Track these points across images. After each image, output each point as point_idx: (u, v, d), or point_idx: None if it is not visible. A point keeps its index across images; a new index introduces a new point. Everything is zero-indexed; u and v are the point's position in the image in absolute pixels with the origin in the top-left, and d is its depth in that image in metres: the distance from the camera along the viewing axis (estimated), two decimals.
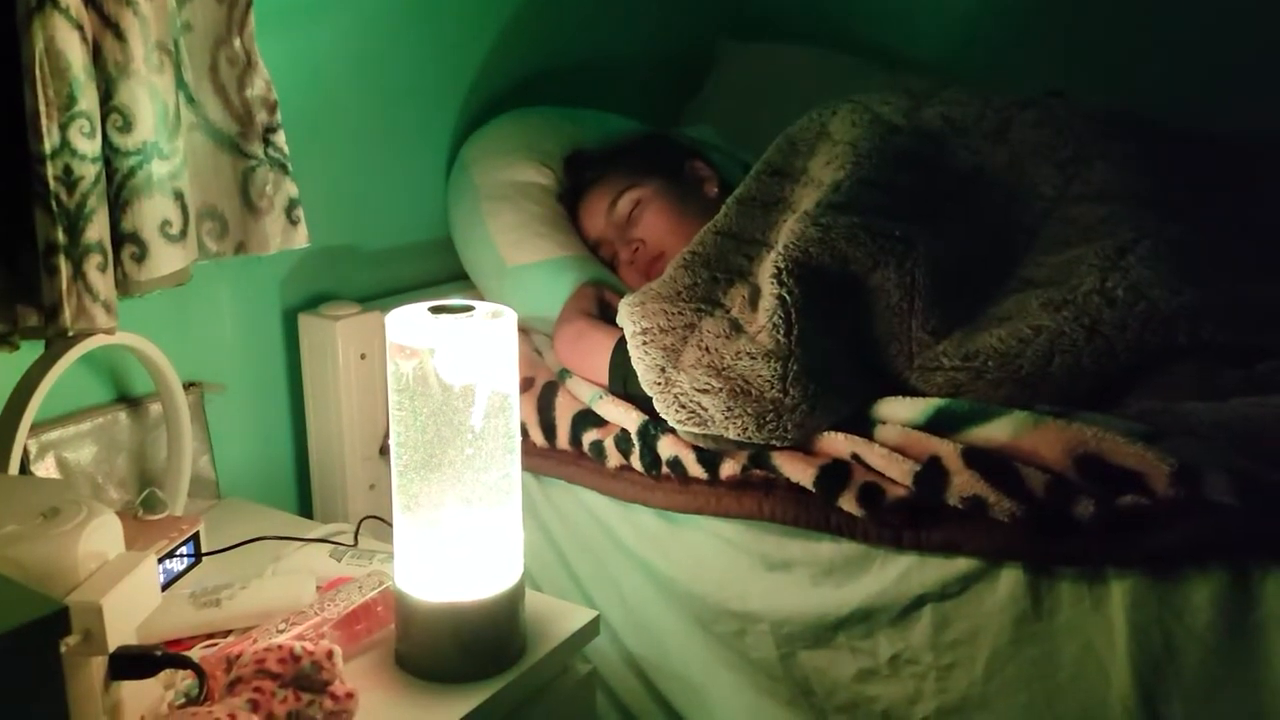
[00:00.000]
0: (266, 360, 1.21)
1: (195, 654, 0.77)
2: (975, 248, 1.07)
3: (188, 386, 1.09)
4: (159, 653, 0.69)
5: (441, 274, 1.38)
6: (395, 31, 1.30)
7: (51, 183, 0.83)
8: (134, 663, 0.68)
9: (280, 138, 1.01)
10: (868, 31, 1.76)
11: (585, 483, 1.11)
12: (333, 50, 1.23)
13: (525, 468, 1.10)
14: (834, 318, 1.01)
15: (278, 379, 1.23)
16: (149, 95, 0.89)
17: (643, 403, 1.04)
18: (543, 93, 1.51)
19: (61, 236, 0.84)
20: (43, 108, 0.82)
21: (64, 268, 0.84)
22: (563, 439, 1.11)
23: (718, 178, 1.36)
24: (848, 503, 0.92)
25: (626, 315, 1.05)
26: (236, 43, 0.98)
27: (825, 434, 0.97)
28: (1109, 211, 1.06)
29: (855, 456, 0.95)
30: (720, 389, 0.96)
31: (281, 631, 0.81)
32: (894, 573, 0.93)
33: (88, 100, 0.84)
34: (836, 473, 0.93)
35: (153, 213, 0.90)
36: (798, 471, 0.95)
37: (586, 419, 1.10)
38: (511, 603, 0.84)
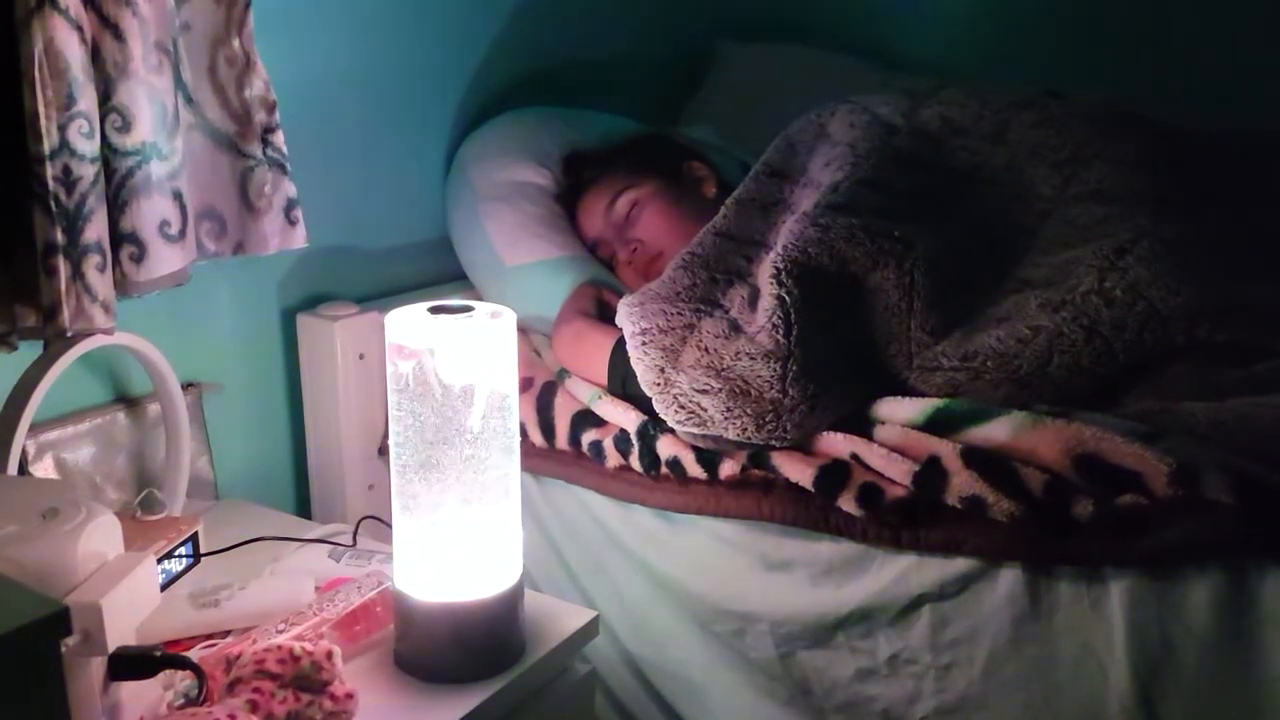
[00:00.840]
0: (265, 360, 1.21)
1: (194, 654, 0.77)
2: (974, 248, 1.08)
3: (186, 387, 1.09)
4: (158, 653, 0.69)
5: (440, 274, 1.38)
6: (394, 31, 1.30)
7: (50, 183, 0.83)
8: (133, 663, 0.68)
9: (279, 138, 1.01)
10: (867, 32, 1.76)
11: (584, 483, 1.11)
12: (331, 50, 1.22)
13: (524, 468, 1.09)
14: (833, 318, 1.01)
15: (276, 379, 1.23)
16: (148, 96, 0.89)
17: (642, 403, 1.04)
18: (541, 93, 1.51)
19: (60, 237, 0.84)
20: (41, 108, 0.82)
21: (63, 268, 0.84)
22: (562, 439, 1.11)
23: (716, 178, 1.36)
24: (847, 503, 0.92)
25: (625, 316, 1.05)
26: (235, 43, 0.98)
27: (824, 434, 0.97)
28: (1107, 212, 1.06)
29: (854, 456, 0.95)
30: (719, 389, 0.96)
31: (281, 632, 0.81)
32: (893, 572, 0.93)
33: (86, 100, 0.84)
34: (836, 473, 0.94)
35: (151, 213, 0.90)
36: (797, 472, 0.95)
37: (585, 419, 1.10)
38: (510, 603, 0.83)
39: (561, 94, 1.53)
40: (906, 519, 0.91)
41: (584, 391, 1.12)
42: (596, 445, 1.08)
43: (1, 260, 0.88)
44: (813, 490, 0.94)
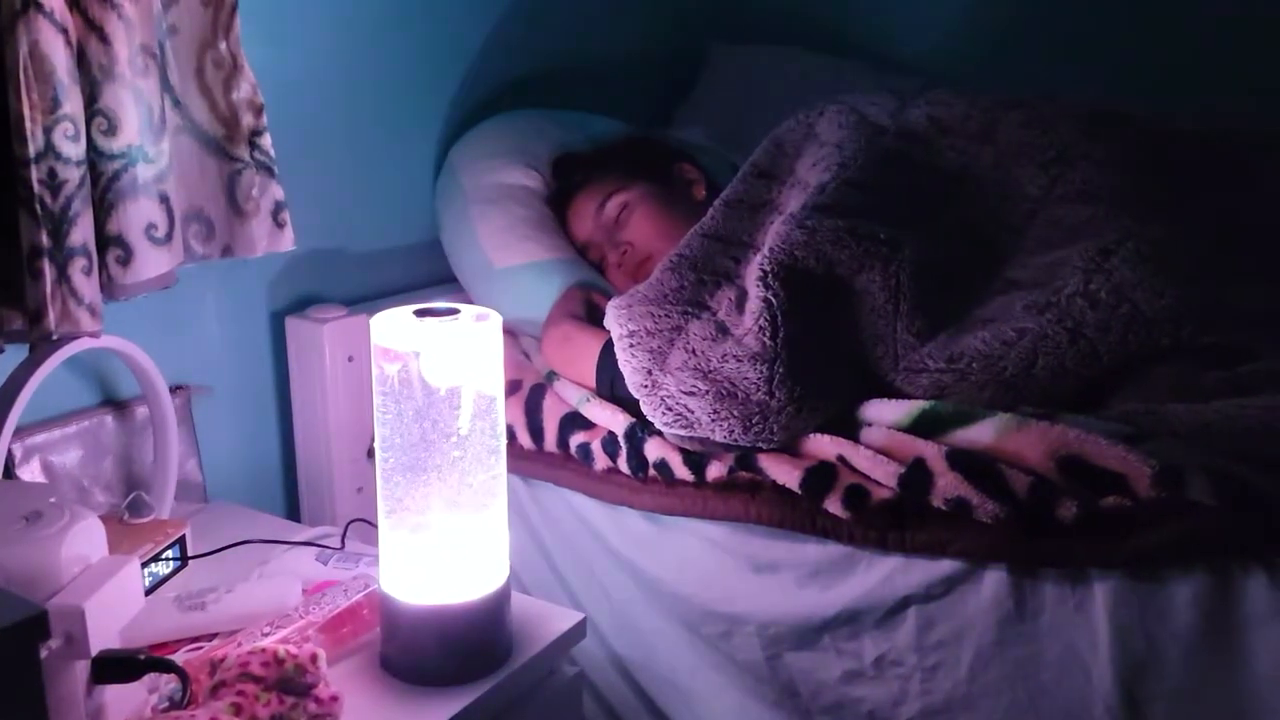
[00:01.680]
0: (254, 363, 1.21)
1: (180, 658, 0.77)
2: (961, 249, 1.08)
3: (175, 389, 1.09)
4: (142, 656, 0.69)
5: (429, 277, 1.38)
6: (382, 34, 1.30)
7: (36, 186, 0.83)
8: (116, 666, 0.68)
9: (266, 141, 1.01)
10: (857, 33, 1.76)
11: (573, 485, 1.11)
12: (319, 53, 1.22)
13: (513, 470, 1.10)
14: (820, 320, 1.01)
15: (265, 382, 1.23)
16: (134, 98, 0.89)
17: (630, 405, 1.04)
18: (532, 95, 1.51)
19: (46, 240, 0.84)
20: (26, 111, 0.82)
21: (48, 271, 0.84)
22: (550, 441, 1.11)
23: (706, 180, 1.37)
24: (833, 505, 0.92)
25: (613, 318, 1.06)
26: (222, 46, 0.98)
27: (811, 436, 0.97)
28: (1093, 212, 1.06)
29: (841, 458, 0.95)
30: (707, 391, 0.96)
31: (267, 635, 0.81)
32: (879, 574, 0.93)
33: (72, 104, 0.84)
34: (822, 475, 0.94)
35: (138, 216, 0.90)
36: (784, 474, 0.95)
37: (574, 421, 1.10)
38: (497, 605, 0.84)
39: (552, 96, 1.53)
40: (892, 521, 0.91)
41: (572, 394, 1.12)
42: (585, 447, 1.08)
43: None
44: (799, 492, 0.94)
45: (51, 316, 0.85)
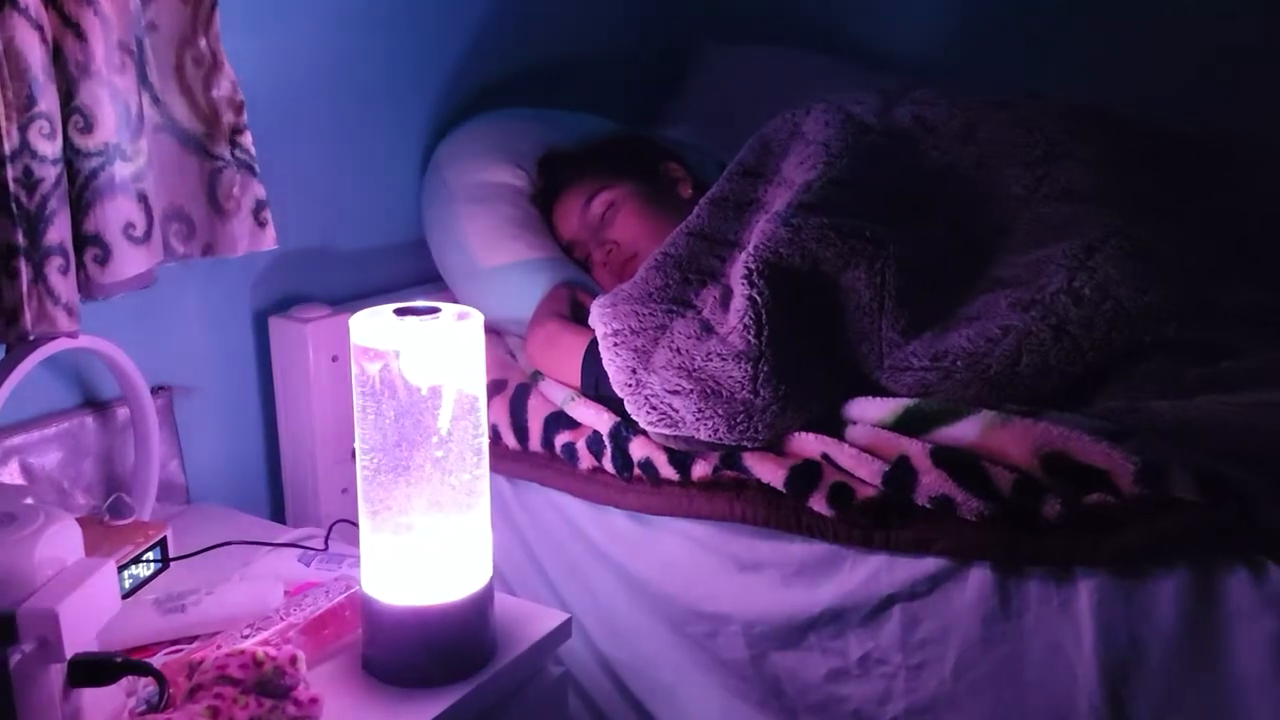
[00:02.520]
0: (237, 363, 1.20)
1: (159, 660, 0.76)
2: (946, 247, 1.08)
3: (156, 390, 1.08)
4: (118, 659, 0.68)
5: (414, 276, 1.37)
6: (366, 30, 1.29)
7: (11, 185, 0.82)
8: (92, 670, 0.68)
9: (247, 139, 1.00)
10: (845, 32, 1.76)
11: (558, 485, 1.10)
12: (302, 49, 1.22)
13: (498, 470, 1.10)
14: (805, 318, 1.01)
15: (248, 382, 1.22)
16: (110, 96, 0.88)
17: (615, 404, 1.04)
18: (518, 93, 1.50)
19: (21, 239, 0.83)
20: (1, 109, 0.81)
21: (24, 270, 0.84)
22: (535, 441, 1.11)
23: (692, 179, 1.36)
24: (818, 503, 0.92)
25: (598, 317, 1.05)
26: (202, 43, 0.97)
27: (796, 434, 0.97)
28: (1078, 211, 1.07)
29: (825, 457, 0.95)
30: (691, 390, 0.96)
31: (247, 637, 0.80)
32: (864, 573, 0.93)
33: (48, 101, 0.83)
34: (807, 473, 0.94)
35: (115, 214, 0.89)
36: (768, 472, 0.95)
37: (559, 421, 1.10)
38: (480, 606, 0.83)
39: (538, 94, 1.53)
40: (877, 519, 0.91)
41: (557, 393, 1.12)
42: (570, 447, 1.07)
43: None
44: (784, 491, 0.94)
45: (28, 316, 0.84)
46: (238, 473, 1.22)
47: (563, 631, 0.90)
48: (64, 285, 0.86)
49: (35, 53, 0.82)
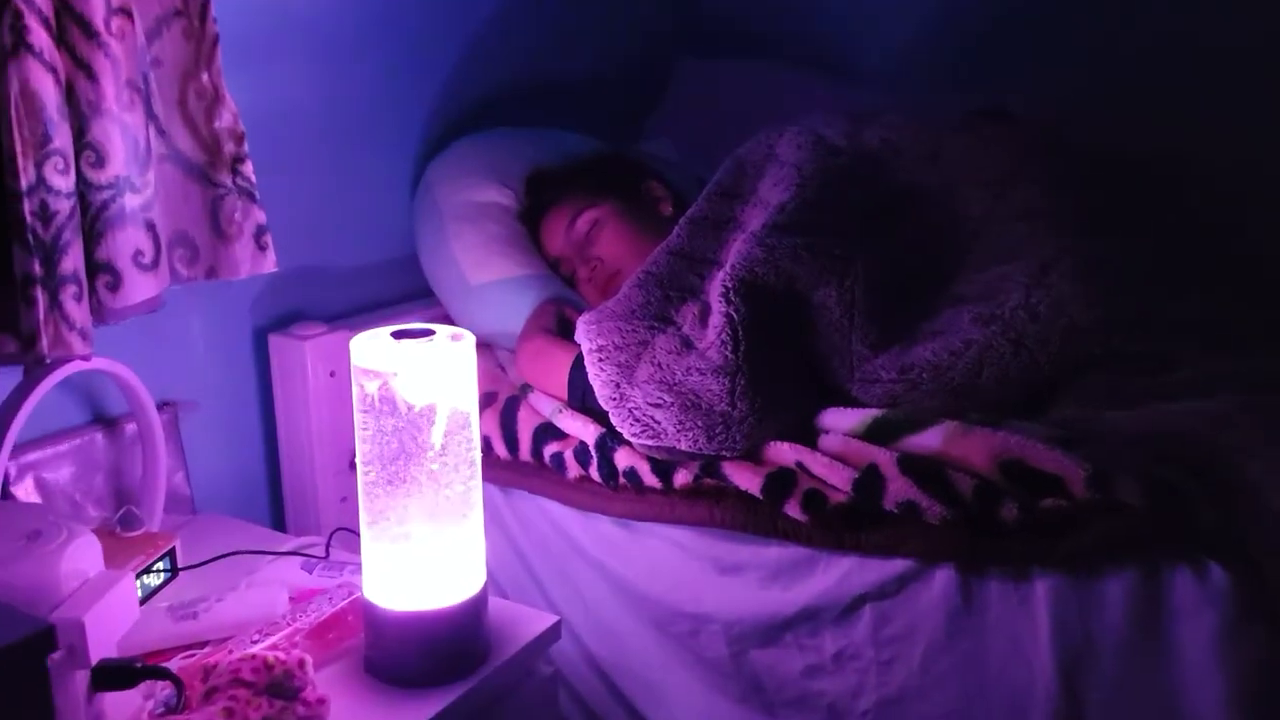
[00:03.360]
0: (238, 379, 1.25)
1: (173, 665, 0.81)
2: (912, 265, 1.13)
3: (163, 406, 1.12)
4: (138, 665, 0.73)
5: (407, 292, 1.41)
6: (358, 59, 1.33)
7: (28, 218, 0.86)
8: (115, 675, 0.72)
9: (248, 167, 1.04)
10: (822, 48, 1.79)
11: (547, 493, 1.15)
12: (298, 80, 1.26)
13: (490, 479, 1.14)
14: (779, 334, 1.06)
15: (250, 397, 1.26)
16: (120, 132, 0.92)
17: (601, 416, 1.08)
18: (505, 113, 1.54)
19: (38, 269, 0.87)
20: (18, 147, 0.85)
21: (41, 298, 0.88)
22: (525, 451, 1.16)
23: (672, 197, 1.41)
24: (792, 509, 0.97)
25: (583, 333, 1.10)
26: (204, 77, 1.01)
27: (772, 444, 1.02)
28: (1033, 229, 1.12)
29: (800, 465, 1.00)
30: (672, 403, 1.01)
31: (256, 642, 0.84)
32: (836, 574, 0.98)
33: (61, 138, 0.88)
34: (782, 480, 0.99)
35: (126, 243, 0.94)
36: (746, 480, 1.00)
37: (547, 432, 1.14)
38: (474, 610, 0.88)
39: (525, 114, 1.57)
40: (848, 523, 0.96)
41: (546, 405, 1.16)
42: (558, 457, 1.12)
43: None
44: (761, 497, 0.99)
45: (45, 341, 0.88)
46: (240, 484, 1.26)
47: (553, 633, 0.95)
48: (78, 311, 0.90)
49: (49, 93, 0.86)
